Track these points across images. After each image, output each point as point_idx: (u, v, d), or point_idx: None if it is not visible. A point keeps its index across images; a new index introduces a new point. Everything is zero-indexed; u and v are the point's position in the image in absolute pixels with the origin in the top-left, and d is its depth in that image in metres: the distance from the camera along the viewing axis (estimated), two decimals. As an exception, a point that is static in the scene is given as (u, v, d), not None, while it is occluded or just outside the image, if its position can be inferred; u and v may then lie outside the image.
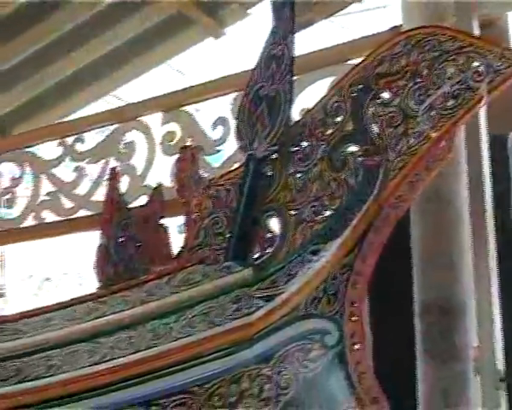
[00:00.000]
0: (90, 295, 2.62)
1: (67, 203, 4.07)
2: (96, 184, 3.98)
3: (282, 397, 2.43)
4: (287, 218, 2.46)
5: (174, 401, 2.49)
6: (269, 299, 2.43)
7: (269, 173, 2.48)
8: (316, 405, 2.48)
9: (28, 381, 2.63)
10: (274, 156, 2.47)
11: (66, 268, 13.19)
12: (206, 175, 3.09)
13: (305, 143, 2.49)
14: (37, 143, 4.37)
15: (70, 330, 2.58)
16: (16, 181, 4.36)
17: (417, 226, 3.31)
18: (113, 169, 2.99)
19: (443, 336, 3.25)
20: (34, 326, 2.66)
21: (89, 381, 2.54)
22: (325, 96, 2.49)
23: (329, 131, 2.45)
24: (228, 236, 2.49)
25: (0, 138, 6.70)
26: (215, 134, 3.73)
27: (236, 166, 2.65)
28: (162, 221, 2.90)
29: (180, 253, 2.59)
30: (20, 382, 2.65)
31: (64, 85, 6.69)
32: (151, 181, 3.75)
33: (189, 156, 2.88)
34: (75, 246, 11.46)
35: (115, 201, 2.83)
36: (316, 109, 2.49)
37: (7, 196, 4.37)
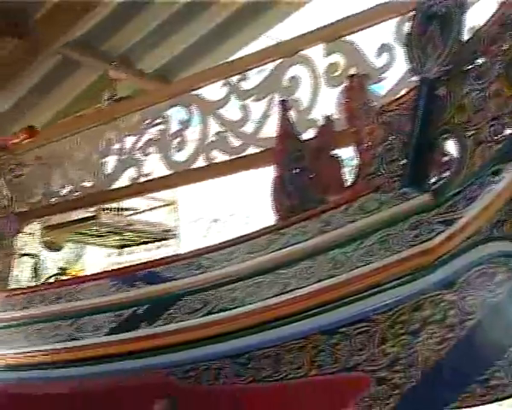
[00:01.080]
0: (269, 227, 2.67)
1: (235, 142, 4.13)
2: (263, 120, 4.00)
3: (467, 323, 2.39)
4: (464, 140, 2.38)
5: (356, 329, 2.50)
6: (449, 223, 2.38)
7: (443, 94, 2.40)
8: (500, 330, 2.42)
9: (214, 313, 2.74)
10: (447, 77, 2.39)
11: (233, 209, 13.55)
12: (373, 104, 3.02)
13: (480, 61, 2.38)
14: (203, 86, 4.45)
15: (251, 262, 2.64)
16: (185, 124, 4.46)
17: None
18: (284, 101, 2.99)
19: None
20: (216, 261, 2.74)
21: (271, 312, 2.60)
22: (500, 8, 2.35)
23: (506, 46, 2.33)
24: (403, 162, 2.44)
25: (166, 85, 6.95)
26: (379, 62, 3.64)
27: (406, 91, 2.58)
28: (334, 152, 2.88)
29: (354, 182, 2.57)
30: (206, 314, 2.76)
31: (223, 28, 6.80)
32: (316, 114, 3.73)
33: (356, 85, 2.83)
34: (241, 187, 11.75)
35: (288, 132, 2.84)
36: (490, 24, 2.37)
37: (177, 140, 4.49)
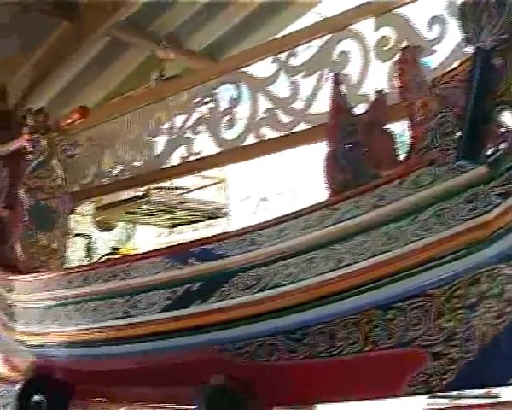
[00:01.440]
0: (323, 202, 2.65)
1: (285, 119, 4.11)
2: (313, 97, 3.98)
3: (526, 297, 2.36)
4: (521, 111, 2.33)
5: (411, 304, 2.49)
6: (505, 196, 2.34)
7: (498, 65, 2.35)
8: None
9: (268, 289, 2.74)
10: (503, 46, 2.33)
11: (282, 188, 13.53)
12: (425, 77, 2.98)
13: (537, 29, 2.32)
14: (252, 63, 4.44)
15: (305, 238, 2.64)
16: (234, 102, 4.47)
17: None
18: (336, 75, 2.96)
19: None
20: (269, 237, 2.74)
21: (326, 287, 2.60)
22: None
23: None
24: (457, 135, 2.40)
25: (214, 63, 6.95)
26: (431, 34, 3.58)
27: (459, 62, 2.54)
28: (387, 126, 2.86)
29: (408, 156, 2.54)
30: (260, 290, 2.77)
31: (270, 5, 6.77)
32: (367, 89, 3.70)
33: (409, 57, 2.79)
34: (289, 166, 11.73)
35: (341, 107, 2.81)
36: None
37: (226, 118, 4.49)
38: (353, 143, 2.71)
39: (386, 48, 3.70)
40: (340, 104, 2.82)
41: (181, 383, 3.14)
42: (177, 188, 8.98)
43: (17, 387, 3.90)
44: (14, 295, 3.99)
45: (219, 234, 3.14)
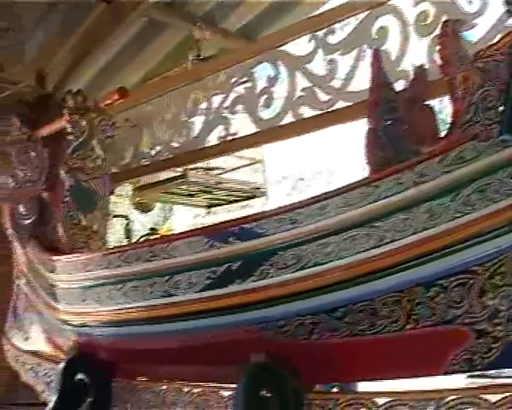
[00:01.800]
0: (363, 180, 2.63)
1: (323, 97, 4.08)
2: (351, 74, 3.94)
3: None
4: None
5: (454, 281, 2.46)
6: (552, 171, 2.29)
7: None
8: None
9: (308, 268, 2.73)
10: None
11: (318, 168, 13.49)
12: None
13: None
14: (289, 41, 4.41)
15: (345, 216, 2.62)
16: (272, 81, 4.44)
17: None
18: (376, 51, 2.93)
19: None
20: (309, 215, 2.73)
21: (367, 265, 2.58)
22: None
23: None
24: (501, 109, 2.36)
25: (251, 42, 6.93)
26: (471, 8, 3.52)
27: (502, 35, 2.49)
28: (427, 102, 2.82)
29: (449, 131, 2.50)
30: (300, 269, 2.76)
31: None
32: (406, 65, 3.65)
33: (450, 32, 2.74)
34: (326, 146, 11.68)
35: (381, 83, 2.78)
36: None
37: (264, 97, 4.47)
38: (394, 119, 2.68)
39: (425, 23, 3.64)
40: (381, 80, 2.79)
41: (222, 362, 3.15)
42: (214, 168, 8.99)
43: (60, 366, 3.96)
44: (55, 276, 4.03)
45: (259, 213, 3.13)
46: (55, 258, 4.09)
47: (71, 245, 4.21)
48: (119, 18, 6.75)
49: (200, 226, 3.60)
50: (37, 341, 4.51)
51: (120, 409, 3.83)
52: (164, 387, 3.61)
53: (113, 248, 3.96)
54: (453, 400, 2.57)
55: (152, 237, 8.31)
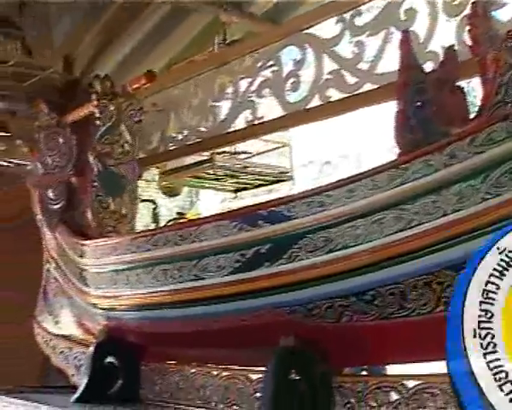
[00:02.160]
0: (392, 162, 2.61)
1: (351, 79, 4.06)
2: (379, 56, 3.92)
3: None
4: None
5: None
6: None
7: None
8: None
9: (337, 251, 2.73)
10: None
11: (345, 152, 13.42)
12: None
13: None
14: (315, 24, 4.39)
15: (374, 198, 2.60)
16: (299, 64, 4.43)
17: None
18: (405, 32, 2.90)
19: None
20: (338, 198, 2.72)
21: (397, 248, 2.56)
22: None
23: None
24: (533, 89, 2.33)
25: (278, 26, 6.90)
26: (502, -13, 3.48)
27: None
28: (457, 83, 2.79)
29: (479, 112, 2.47)
30: (329, 252, 2.75)
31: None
32: (435, 46, 3.61)
33: (480, 11, 2.70)
34: (353, 130, 11.61)
35: (410, 64, 2.76)
36: None
37: (291, 80, 4.46)
38: (423, 101, 2.65)
39: (455, 2, 3.60)
40: (410, 61, 2.76)
41: (251, 345, 3.16)
42: (240, 153, 9.00)
43: (90, 349, 4.00)
44: (85, 260, 4.07)
45: (288, 196, 3.13)
46: (84, 242, 4.12)
47: (100, 229, 4.24)
48: (144, 3, 6.76)
49: (227, 210, 3.61)
50: (67, 325, 4.56)
51: (149, 392, 3.87)
52: (193, 370, 3.64)
53: (141, 232, 3.98)
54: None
55: (179, 222, 8.34)
